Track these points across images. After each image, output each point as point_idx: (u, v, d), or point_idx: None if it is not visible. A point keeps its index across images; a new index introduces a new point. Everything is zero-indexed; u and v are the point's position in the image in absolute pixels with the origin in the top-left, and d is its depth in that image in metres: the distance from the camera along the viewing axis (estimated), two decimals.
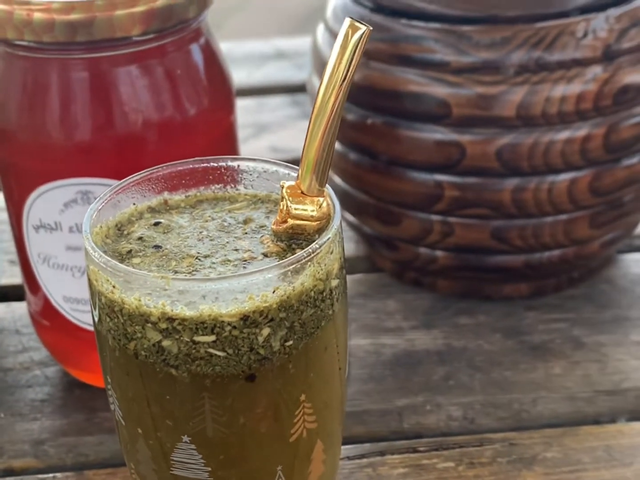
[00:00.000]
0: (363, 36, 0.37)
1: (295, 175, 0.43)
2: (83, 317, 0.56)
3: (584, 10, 0.58)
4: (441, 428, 0.56)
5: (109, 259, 0.37)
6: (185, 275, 0.38)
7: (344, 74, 0.38)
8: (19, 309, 0.68)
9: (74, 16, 0.48)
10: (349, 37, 0.37)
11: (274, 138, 0.90)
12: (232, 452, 0.39)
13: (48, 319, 0.59)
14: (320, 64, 0.67)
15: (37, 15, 0.48)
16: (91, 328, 0.56)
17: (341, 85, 0.38)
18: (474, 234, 0.62)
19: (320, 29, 0.68)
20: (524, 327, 0.64)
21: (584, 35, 0.57)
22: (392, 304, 0.66)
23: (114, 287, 0.37)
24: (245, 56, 1.06)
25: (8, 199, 0.56)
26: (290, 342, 0.38)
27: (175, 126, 0.52)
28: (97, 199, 0.41)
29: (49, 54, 0.50)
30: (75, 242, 0.53)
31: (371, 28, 0.38)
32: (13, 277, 0.71)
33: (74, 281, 0.55)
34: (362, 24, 0.37)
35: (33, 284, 0.58)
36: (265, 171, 0.43)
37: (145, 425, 0.40)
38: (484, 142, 0.58)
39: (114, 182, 0.51)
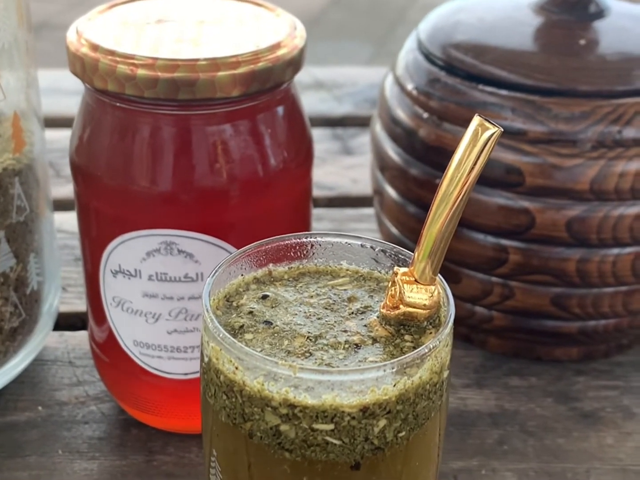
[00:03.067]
0: (493, 137, 0.38)
1: (402, 257, 0.43)
2: (151, 361, 0.56)
3: None
4: None
5: (235, 341, 0.37)
6: (300, 357, 0.38)
7: (469, 170, 0.38)
8: (72, 338, 0.68)
9: (177, 75, 0.48)
10: (478, 135, 0.38)
11: (316, 173, 0.90)
12: None
13: (110, 357, 0.59)
14: (385, 114, 0.67)
15: (141, 72, 0.49)
16: (157, 372, 0.57)
17: (466, 179, 0.38)
18: (534, 299, 0.63)
19: (389, 80, 0.68)
20: (575, 393, 0.64)
21: None
22: None
23: (236, 368, 0.37)
24: None
25: (85, 238, 0.56)
26: (403, 433, 0.38)
27: (259, 182, 0.53)
28: (212, 273, 0.41)
29: (146, 108, 0.50)
30: (152, 289, 0.54)
31: (502, 130, 0.38)
32: (64, 304, 0.71)
33: (147, 327, 0.55)
34: (492, 124, 0.38)
35: (101, 322, 0.58)
36: (371, 248, 0.44)
37: None
38: (555, 212, 0.59)
39: (198, 235, 0.52)
